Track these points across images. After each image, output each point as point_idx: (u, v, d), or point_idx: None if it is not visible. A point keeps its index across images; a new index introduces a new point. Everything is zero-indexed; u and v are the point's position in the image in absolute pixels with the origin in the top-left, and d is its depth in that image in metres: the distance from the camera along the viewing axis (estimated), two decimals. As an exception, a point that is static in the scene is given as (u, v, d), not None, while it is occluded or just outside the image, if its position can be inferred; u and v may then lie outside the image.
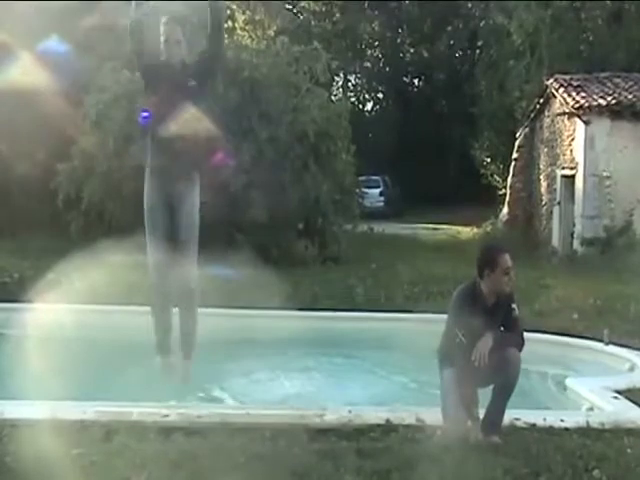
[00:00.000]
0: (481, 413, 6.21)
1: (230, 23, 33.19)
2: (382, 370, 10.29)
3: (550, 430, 6.34)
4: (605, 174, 19.47)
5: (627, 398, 7.44)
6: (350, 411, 6.44)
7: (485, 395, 6.24)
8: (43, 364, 7.93)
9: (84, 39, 19.71)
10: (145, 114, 6.60)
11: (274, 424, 6.28)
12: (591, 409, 7.24)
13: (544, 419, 6.53)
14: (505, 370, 6.06)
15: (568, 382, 8.38)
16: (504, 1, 30.63)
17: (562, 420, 6.55)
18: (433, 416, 6.37)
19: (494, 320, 6.16)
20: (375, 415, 6.52)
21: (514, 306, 6.25)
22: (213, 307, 9.19)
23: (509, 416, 6.34)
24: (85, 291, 12.10)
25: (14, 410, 6.51)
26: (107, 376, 8.10)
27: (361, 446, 5.91)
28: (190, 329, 7.48)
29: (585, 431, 6.34)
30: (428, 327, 9.44)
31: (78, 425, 6.11)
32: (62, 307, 11.00)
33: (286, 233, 16.90)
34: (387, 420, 6.39)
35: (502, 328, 6.23)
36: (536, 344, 9.20)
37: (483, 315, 6.11)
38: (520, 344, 6.21)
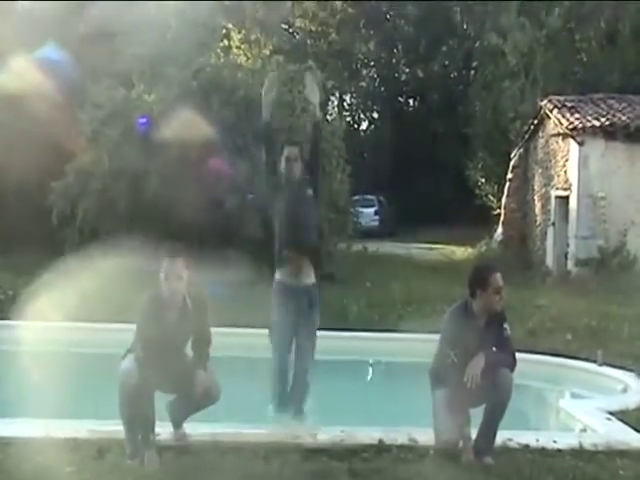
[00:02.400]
0: (473, 433, 6.20)
1: (225, 42, 33.35)
2: (375, 390, 10.31)
3: (543, 451, 6.35)
4: (600, 195, 19.51)
5: (620, 420, 7.44)
6: (343, 431, 6.42)
7: (477, 415, 6.23)
8: (36, 380, 7.91)
9: (79, 50, 19.70)
10: (142, 120, 6.56)
11: (266, 443, 6.27)
12: (584, 430, 7.24)
13: (537, 440, 6.54)
14: (497, 391, 6.07)
15: (561, 403, 8.39)
16: (499, 19, 30.74)
17: (555, 441, 6.55)
18: (426, 436, 6.37)
19: (486, 339, 6.16)
20: (368, 435, 6.52)
21: (506, 325, 6.26)
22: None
23: (501, 436, 6.34)
24: (76, 308, 12.14)
25: (6, 428, 6.50)
26: (90, 392, 8.06)
27: (353, 466, 5.91)
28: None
29: (578, 452, 6.34)
30: (421, 347, 9.50)
31: (71, 443, 6.09)
32: (54, 324, 11.05)
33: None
34: (380, 440, 6.39)
35: (494, 348, 6.23)
36: (529, 364, 9.23)
37: (475, 334, 6.12)
38: (512, 364, 6.22)
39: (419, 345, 10.00)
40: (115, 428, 6.11)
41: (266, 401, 7.54)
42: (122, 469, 5.69)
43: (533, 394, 9.74)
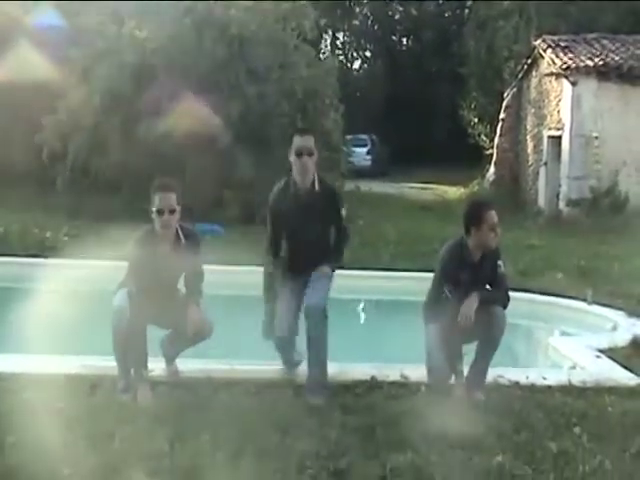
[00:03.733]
0: (465, 369, 6.26)
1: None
2: (368, 328, 10.38)
3: (532, 388, 6.42)
4: (593, 135, 19.47)
5: (609, 357, 7.51)
6: (335, 367, 6.46)
7: (469, 352, 6.28)
8: (27, 316, 7.93)
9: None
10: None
11: (259, 379, 6.32)
12: (573, 367, 7.31)
13: (527, 377, 6.61)
14: (490, 328, 6.11)
15: (551, 340, 8.45)
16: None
17: (544, 378, 6.63)
18: (417, 373, 6.42)
19: (480, 275, 6.20)
20: (360, 371, 6.57)
21: (500, 263, 6.28)
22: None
23: (492, 373, 6.40)
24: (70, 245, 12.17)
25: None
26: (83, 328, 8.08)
27: (346, 402, 5.97)
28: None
29: (567, 389, 6.41)
30: (414, 285, 9.55)
31: (62, 379, 6.12)
32: (47, 261, 11.07)
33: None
34: (372, 377, 6.45)
35: (488, 286, 6.27)
36: (520, 303, 9.27)
37: (469, 270, 6.15)
38: (505, 302, 6.26)
39: (411, 283, 10.07)
40: (107, 364, 6.16)
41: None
42: (115, 404, 5.73)
43: (523, 332, 9.82)
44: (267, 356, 6.74)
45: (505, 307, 6.24)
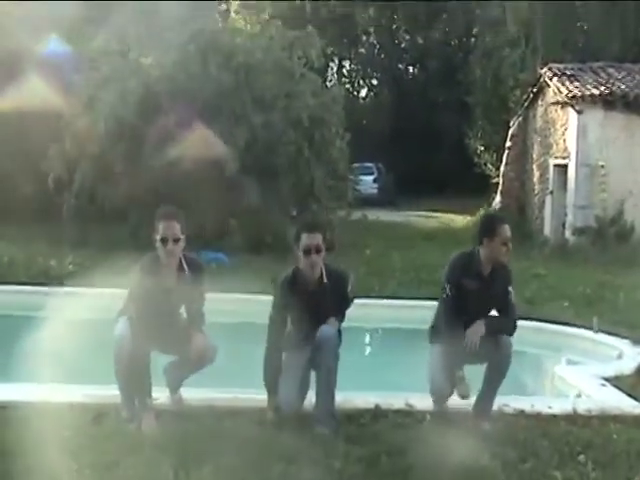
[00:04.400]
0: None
1: (224, 6, 33.15)
2: (373, 356, 10.35)
3: (538, 416, 6.40)
4: (599, 164, 19.47)
5: (615, 386, 7.49)
6: (339, 396, 6.44)
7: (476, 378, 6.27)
8: (32, 345, 7.92)
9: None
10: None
11: (263, 408, 6.29)
12: (579, 396, 7.28)
13: (532, 405, 6.60)
14: (496, 359, 6.11)
15: (557, 369, 8.43)
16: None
17: (550, 407, 6.62)
18: (423, 401, 6.41)
19: (488, 291, 6.20)
20: (365, 400, 6.56)
21: (510, 289, 6.29)
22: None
23: (498, 402, 6.39)
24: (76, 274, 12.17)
25: (3, 392, 6.53)
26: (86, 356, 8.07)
27: (350, 431, 5.96)
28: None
29: (572, 418, 6.40)
30: (420, 313, 9.53)
31: (67, 408, 6.11)
32: (52, 289, 11.08)
33: (280, 219, 16.88)
34: (376, 405, 6.43)
35: (496, 311, 6.27)
36: (526, 331, 9.25)
37: (477, 282, 6.17)
38: (512, 330, 6.25)
39: (417, 312, 10.05)
40: (112, 392, 6.15)
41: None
42: (119, 433, 5.72)
43: (530, 360, 9.77)
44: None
45: (512, 334, 6.23)
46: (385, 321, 11.27)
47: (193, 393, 6.58)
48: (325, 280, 6.34)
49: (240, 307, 10.46)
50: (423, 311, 9.05)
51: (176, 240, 6.05)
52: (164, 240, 6.02)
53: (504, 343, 6.13)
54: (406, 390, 6.92)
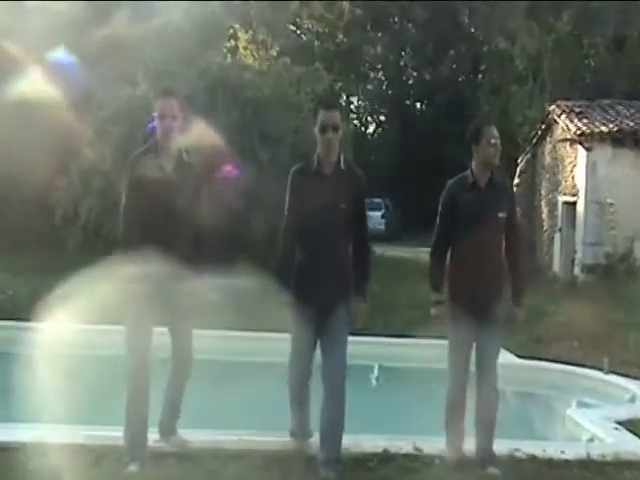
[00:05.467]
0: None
1: (232, 42, 33.24)
2: (379, 396, 10.17)
3: (550, 462, 6.22)
4: (608, 201, 19.36)
5: (628, 429, 7.32)
6: (346, 439, 6.28)
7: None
8: (35, 383, 7.80)
9: (90, 52, 19.64)
10: (152, 123, 6.09)
11: (268, 451, 6.14)
12: (592, 440, 7.11)
13: (544, 450, 6.42)
14: (483, 410, 5.97)
15: (568, 412, 8.26)
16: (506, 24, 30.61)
17: (562, 452, 6.43)
18: (431, 445, 6.26)
19: (486, 201, 6.05)
20: (372, 444, 6.40)
21: (517, 209, 6.41)
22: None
23: (508, 446, 6.24)
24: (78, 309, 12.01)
25: (3, 433, 6.39)
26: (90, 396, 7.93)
27: (358, 476, 5.81)
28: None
29: (586, 463, 6.22)
30: (427, 352, 9.41)
31: (67, 449, 5.96)
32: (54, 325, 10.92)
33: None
34: (384, 449, 6.27)
35: (501, 214, 6.09)
36: (535, 371, 9.13)
37: (473, 193, 6.06)
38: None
39: (425, 350, 9.93)
40: (113, 434, 6.01)
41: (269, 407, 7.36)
42: (120, 477, 5.58)
43: (539, 402, 9.60)
44: (277, 427, 6.58)
45: (517, 236, 6.27)
46: (390, 359, 11.08)
47: (198, 435, 6.43)
48: (342, 167, 6.07)
49: (243, 345, 10.30)
50: (430, 350, 8.99)
51: (173, 117, 5.80)
52: (161, 116, 5.79)
53: (489, 391, 5.98)
54: (413, 432, 6.76)
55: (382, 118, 46.68)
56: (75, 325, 10.59)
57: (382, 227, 33.91)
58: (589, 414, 8.02)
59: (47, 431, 6.43)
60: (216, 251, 6.14)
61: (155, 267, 5.47)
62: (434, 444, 6.21)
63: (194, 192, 5.99)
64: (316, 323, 5.92)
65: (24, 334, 10.71)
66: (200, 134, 6.58)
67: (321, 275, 5.92)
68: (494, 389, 6.00)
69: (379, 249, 24.20)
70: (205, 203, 6.17)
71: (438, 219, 6.26)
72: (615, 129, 19.79)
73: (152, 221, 5.70)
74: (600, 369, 9.77)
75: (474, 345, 6.02)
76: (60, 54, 19.39)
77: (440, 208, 6.21)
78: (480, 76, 40.78)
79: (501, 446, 6.21)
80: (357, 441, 6.41)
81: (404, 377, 10.67)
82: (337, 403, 5.88)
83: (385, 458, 6.15)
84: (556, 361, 10.27)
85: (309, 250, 6.00)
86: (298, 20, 41.85)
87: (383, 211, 35.54)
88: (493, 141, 6.02)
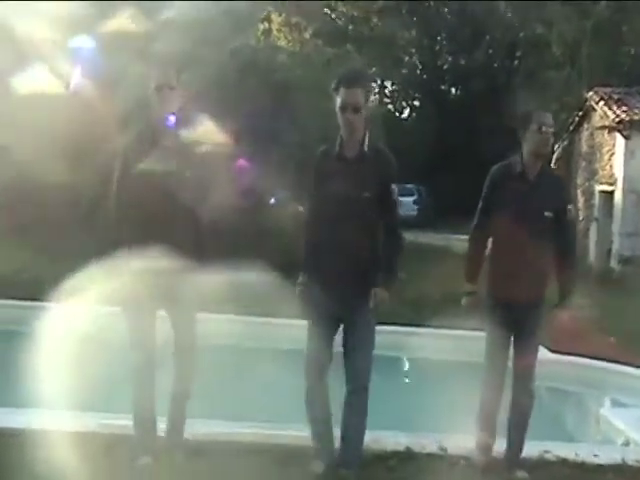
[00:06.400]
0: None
1: (266, 24, 32.97)
2: (404, 390, 9.90)
3: (582, 466, 5.91)
4: (647, 191, 18.98)
5: (665, 432, 6.97)
6: (367, 435, 5.98)
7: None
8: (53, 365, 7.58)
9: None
10: (171, 118, 5.66)
11: (284, 445, 5.86)
12: (627, 444, 6.77)
13: (576, 453, 6.08)
14: (516, 413, 5.71)
15: (602, 412, 7.92)
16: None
17: (596, 455, 6.09)
18: (456, 443, 5.97)
19: (534, 195, 5.66)
20: (394, 441, 6.11)
21: (570, 208, 5.89)
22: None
23: (539, 448, 5.95)
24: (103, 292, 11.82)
25: (13, 419, 6.25)
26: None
27: (378, 475, 5.54)
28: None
29: (621, 468, 5.91)
30: (457, 343, 9.13)
31: (79, 437, 5.72)
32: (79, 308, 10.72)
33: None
34: (407, 447, 5.98)
35: (548, 213, 5.66)
36: (569, 368, 8.80)
37: (520, 183, 5.70)
38: (575, 263, 5.95)
39: (454, 342, 9.66)
40: (125, 423, 5.76)
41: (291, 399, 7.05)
42: (132, 467, 5.38)
43: (573, 400, 9.28)
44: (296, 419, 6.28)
45: (573, 258, 5.95)
46: (418, 350, 10.75)
47: (214, 427, 6.19)
48: (366, 150, 5.60)
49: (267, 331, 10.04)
50: (459, 341, 8.68)
51: (172, 88, 5.44)
52: (159, 88, 5.42)
53: (524, 392, 5.68)
54: (438, 430, 6.44)
55: (416, 103, 46.30)
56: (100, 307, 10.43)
57: (414, 213, 33.63)
58: (624, 414, 7.71)
59: (59, 418, 6.18)
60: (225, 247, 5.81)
61: (154, 259, 5.16)
62: (460, 443, 5.90)
63: (198, 184, 5.57)
64: (336, 320, 5.55)
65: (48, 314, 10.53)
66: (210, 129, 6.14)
67: (338, 270, 5.49)
68: (530, 394, 5.68)
69: (411, 235, 23.94)
70: (220, 197, 5.77)
71: (480, 204, 5.93)
72: (655, 117, 19.38)
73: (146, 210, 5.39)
74: (637, 366, 9.43)
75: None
76: (81, 41, 19.27)
77: (483, 193, 5.89)
78: (516, 62, 40.26)
79: (531, 447, 5.90)
80: (378, 437, 6.07)
81: (431, 370, 10.36)
82: (360, 414, 5.53)
83: (407, 457, 5.87)
84: (591, 357, 9.92)
85: (325, 240, 5.60)
86: (333, 3, 41.46)
87: (415, 197, 35.28)
88: (544, 129, 5.60)
